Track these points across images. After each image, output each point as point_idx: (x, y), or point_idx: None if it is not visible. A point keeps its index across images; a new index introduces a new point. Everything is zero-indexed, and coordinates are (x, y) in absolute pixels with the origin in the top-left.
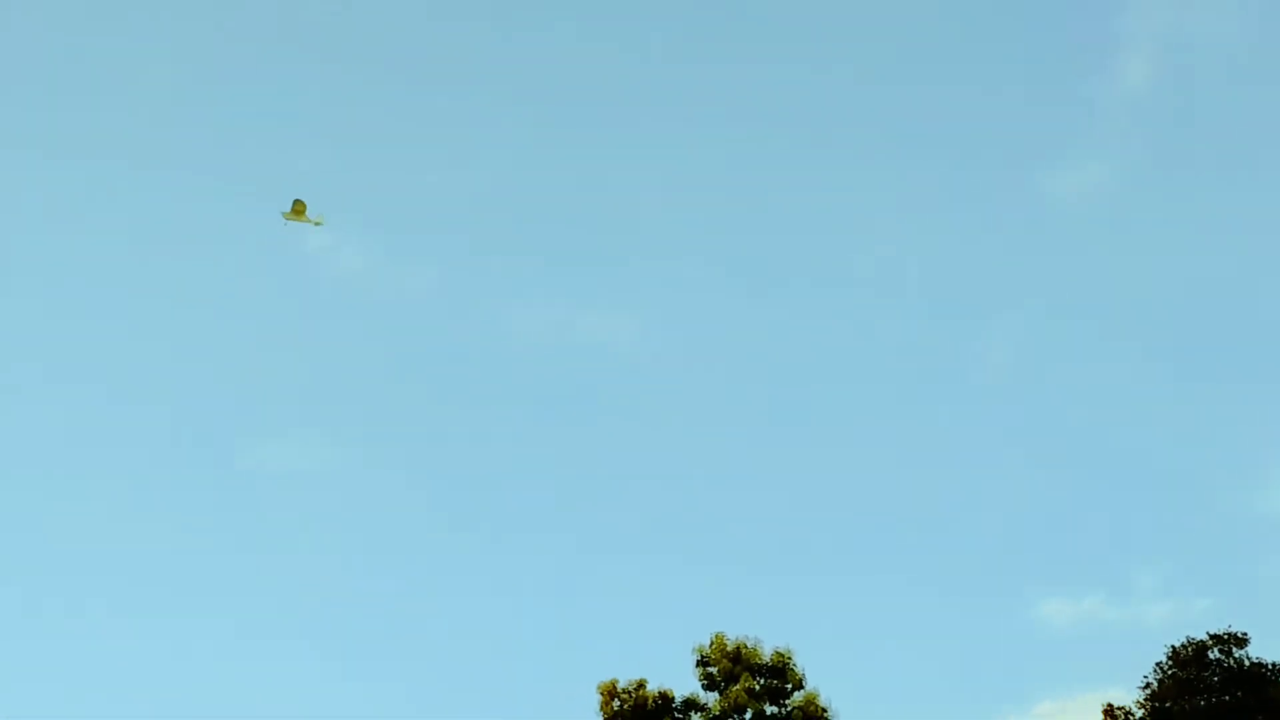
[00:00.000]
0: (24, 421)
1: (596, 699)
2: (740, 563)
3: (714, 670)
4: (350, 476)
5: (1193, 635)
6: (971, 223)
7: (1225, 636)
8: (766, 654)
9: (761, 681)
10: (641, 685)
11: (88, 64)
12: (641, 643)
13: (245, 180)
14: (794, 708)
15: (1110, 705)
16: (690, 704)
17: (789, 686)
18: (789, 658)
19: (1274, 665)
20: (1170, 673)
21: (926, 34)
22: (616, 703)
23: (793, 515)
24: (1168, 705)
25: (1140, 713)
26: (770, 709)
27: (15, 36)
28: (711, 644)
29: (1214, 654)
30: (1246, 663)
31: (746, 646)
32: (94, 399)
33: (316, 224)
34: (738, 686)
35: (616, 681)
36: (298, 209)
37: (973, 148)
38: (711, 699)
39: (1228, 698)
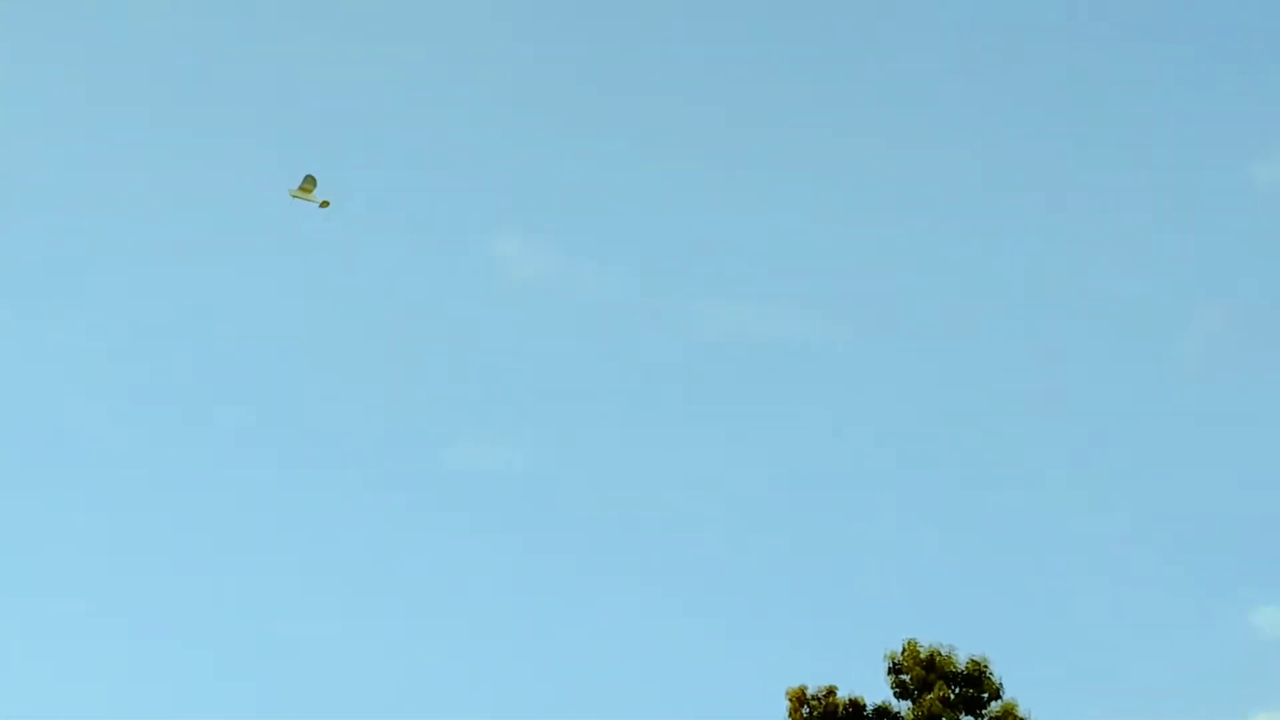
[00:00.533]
0: (239, 423)
1: (785, 705)
2: (933, 566)
3: (906, 678)
4: (543, 476)
5: None
6: (1179, 214)
7: None
8: (961, 661)
9: (956, 690)
10: (831, 692)
11: (248, 57)
12: (830, 648)
13: (427, 189)
14: (991, 718)
15: None
16: (882, 712)
17: (985, 696)
18: (985, 666)
19: None
20: None
21: (1129, 18)
22: (806, 709)
23: (986, 515)
24: None
25: None
26: (966, 718)
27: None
28: (904, 650)
29: None
30: None
31: (940, 654)
32: (307, 404)
33: (323, 205)
34: (931, 695)
35: (806, 688)
36: (306, 187)
37: (1180, 137)
38: (904, 707)
39: None
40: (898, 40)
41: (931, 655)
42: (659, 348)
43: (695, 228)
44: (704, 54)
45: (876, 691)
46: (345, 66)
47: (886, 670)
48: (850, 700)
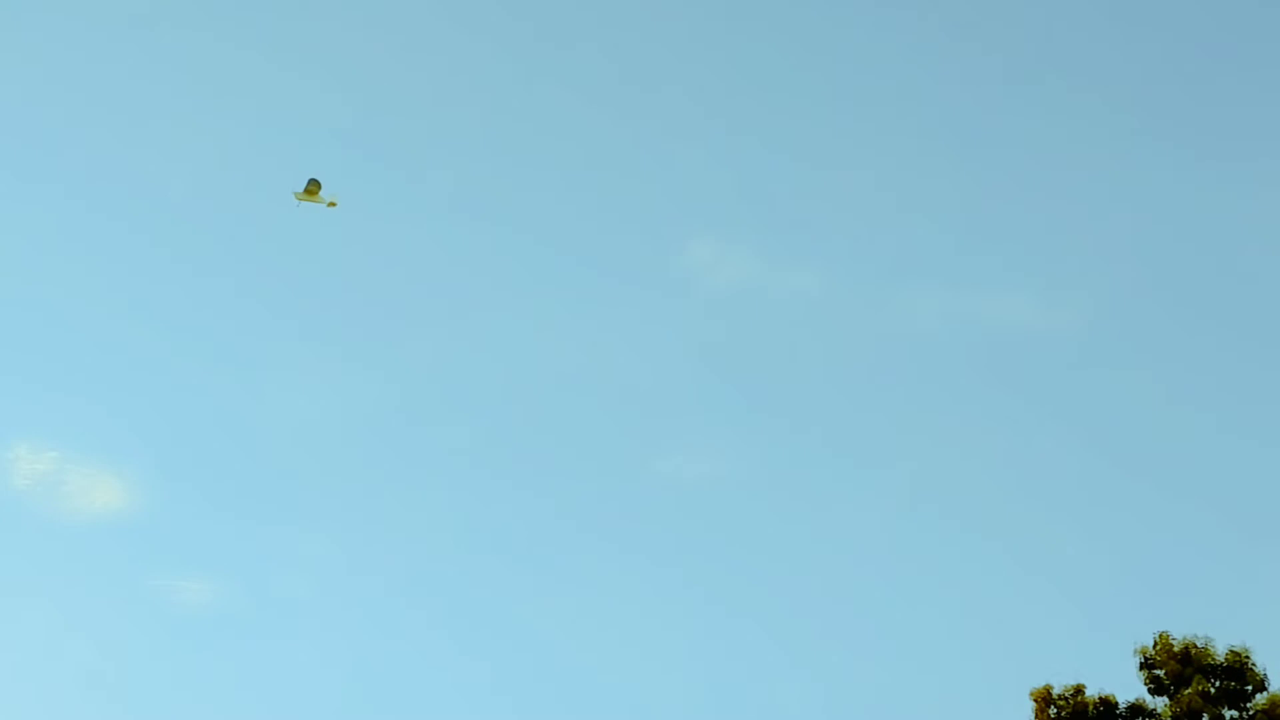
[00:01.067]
0: (454, 442)
1: (1030, 706)
2: (1182, 554)
3: (1160, 673)
4: (754, 484)
5: None
6: None
7: None
8: (1220, 653)
9: (1216, 683)
10: (1079, 690)
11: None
12: (1074, 644)
13: (619, 201)
14: (1257, 711)
15: None
16: (1137, 710)
17: (1249, 688)
18: (1247, 656)
19: None
20: None
21: None
22: (1053, 710)
23: (1242, 497)
24: None
25: None
26: (1229, 713)
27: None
28: (1155, 644)
29: None
30: None
31: (1196, 646)
32: (518, 420)
33: (330, 205)
34: (1190, 690)
35: (1051, 687)
36: (311, 190)
37: None
38: (1160, 704)
39: None
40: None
41: (1186, 648)
42: (870, 343)
43: (892, 218)
44: (892, 48)
45: (1128, 688)
46: (536, 77)
47: (1138, 666)
48: (1100, 698)
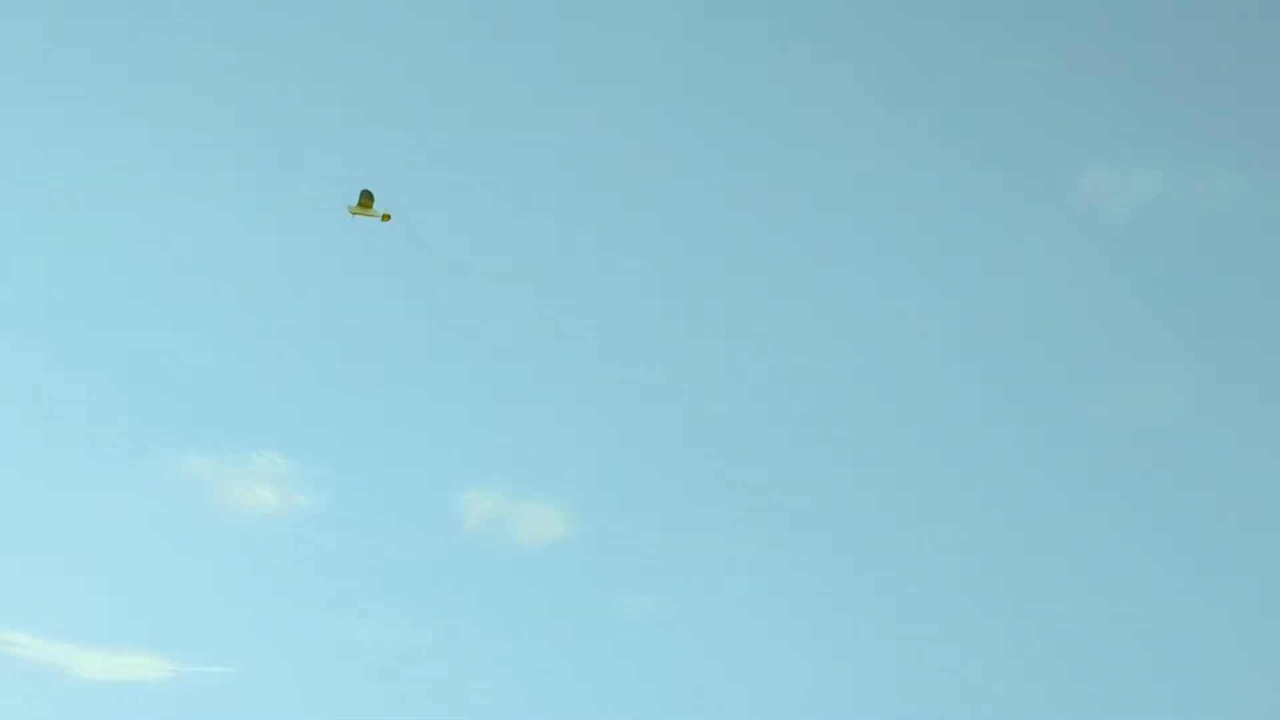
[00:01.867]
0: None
1: None
2: None
3: None
4: (1205, 424)
5: None
6: None
7: None
8: None
9: None
10: None
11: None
12: None
13: (1013, 131)
14: None
15: None
16: None
17: None
18: None
19: None
20: None
21: None
22: None
23: None
24: None
25: None
26: None
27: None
28: None
29: None
30: None
31: None
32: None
33: (385, 218)
34: None
35: None
36: (365, 202)
37: None
38: None
39: None
40: None
41: None
42: None
43: None
44: None
45: None
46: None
47: None
48: None
